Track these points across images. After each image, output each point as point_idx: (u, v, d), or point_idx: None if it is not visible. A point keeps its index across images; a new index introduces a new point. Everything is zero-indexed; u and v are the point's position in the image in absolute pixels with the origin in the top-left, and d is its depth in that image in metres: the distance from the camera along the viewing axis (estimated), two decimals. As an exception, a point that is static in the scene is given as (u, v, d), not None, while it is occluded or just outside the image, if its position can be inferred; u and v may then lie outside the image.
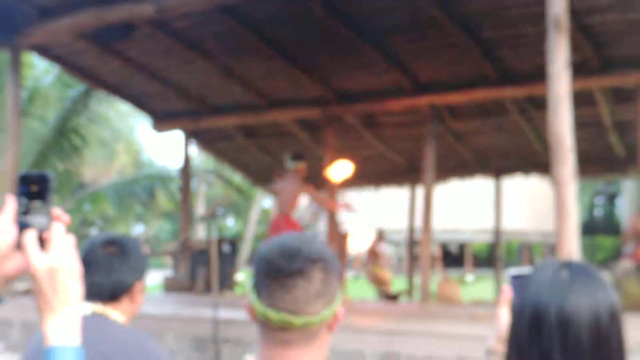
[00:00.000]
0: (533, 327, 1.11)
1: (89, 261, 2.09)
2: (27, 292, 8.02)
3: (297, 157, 8.83)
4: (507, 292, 1.37)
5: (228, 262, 10.62)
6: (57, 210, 1.13)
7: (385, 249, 13.50)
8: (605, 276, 1.21)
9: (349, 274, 21.56)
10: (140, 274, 2.17)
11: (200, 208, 21.67)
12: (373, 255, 13.48)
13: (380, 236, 13.65)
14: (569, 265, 1.17)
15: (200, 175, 16.96)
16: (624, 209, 29.57)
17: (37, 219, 1.12)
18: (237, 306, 7.81)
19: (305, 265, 1.34)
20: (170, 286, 10.89)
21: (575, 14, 7.06)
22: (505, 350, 1.33)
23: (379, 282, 13.04)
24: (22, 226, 1.12)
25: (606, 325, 1.11)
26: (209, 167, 17.93)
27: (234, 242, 12.50)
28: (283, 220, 8.64)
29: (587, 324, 1.10)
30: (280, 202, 8.91)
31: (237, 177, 14.29)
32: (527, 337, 1.12)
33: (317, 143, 11.34)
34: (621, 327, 1.12)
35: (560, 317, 1.10)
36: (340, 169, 9.55)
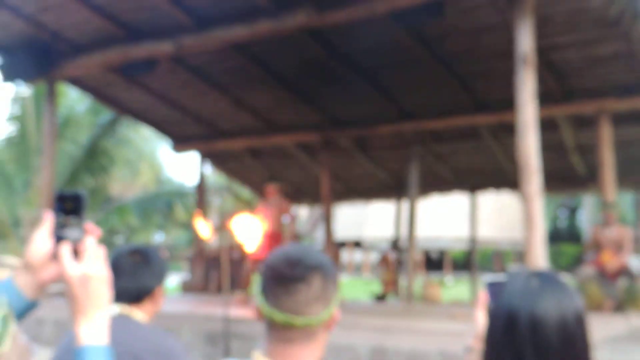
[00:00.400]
0: (507, 329, 1.11)
1: (116, 268, 2.08)
2: (58, 293, 7.98)
3: (274, 180, 9.07)
4: (483, 297, 1.37)
5: (238, 266, 10.58)
6: (89, 225, 1.13)
7: (395, 256, 13.26)
8: (569, 280, 1.21)
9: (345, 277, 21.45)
10: (161, 279, 2.16)
11: (213, 219, 21.64)
12: (385, 261, 13.36)
13: (394, 245, 13.44)
14: (538, 274, 1.16)
15: (213, 190, 16.93)
16: (584, 221, 29.57)
17: (71, 233, 1.12)
18: (247, 305, 7.79)
19: (306, 272, 1.34)
20: (187, 288, 10.86)
21: (540, 51, 7.09)
22: (481, 348, 1.32)
23: (388, 284, 12.91)
24: (59, 239, 1.11)
25: (573, 327, 1.10)
26: (221, 183, 17.90)
27: (243, 249, 12.44)
28: (267, 236, 8.72)
29: (555, 326, 1.09)
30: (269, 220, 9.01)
31: (245, 192, 14.25)
32: (502, 337, 1.11)
33: (315, 163, 11.35)
34: (586, 329, 1.12)
35: (531, 320, 1.10)
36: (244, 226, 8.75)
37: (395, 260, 12.84)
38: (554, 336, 1.08)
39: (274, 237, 8.60)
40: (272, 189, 8.69)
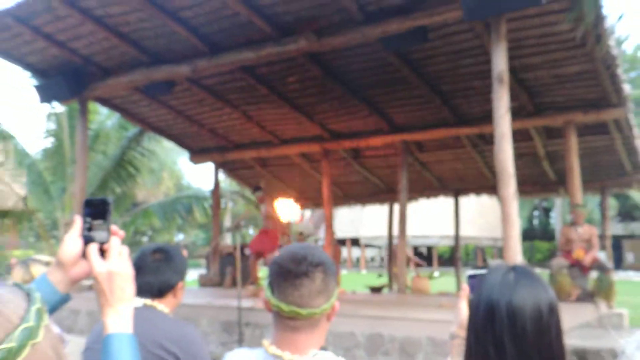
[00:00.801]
0: (487, 318, 1.10)
1: (141, 265, 2.08)
2: (91, 287, 7.97)
3: (257, 189, 9.23)
4: (466, 289, 1.36)
5: (249, 262, 10.56)
6: (114, 228, 1.13)
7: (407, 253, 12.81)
8: (543, 273, 1.20)
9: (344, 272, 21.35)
10: (181, 275, 2.15)
11: (227, 221, 21.63)
12: (395, 256, 12.95)
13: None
14: (514, 269, 1.16)
15: (227, 195, 16.91)
16: (555, 220, 29.58)
17: (98, 234, 1.11)
18: (257, 297, 7.77)
19: (309, 268, 1.34)
20: (204, 282, 10.83)
21: (514, 71, 7.13)
22: (465, 335, 1.31)
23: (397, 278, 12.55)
24: (87, 240, 1.11)
25: (547, 317, 1.09)
26: (234, 189, 17.88)
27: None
28: (260, 232, 8.94)
29: (531, 316, 1.08)
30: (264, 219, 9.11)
31: (253, 198, 14.25)
32: (482, 325, 1.10)
33: (316, 171, 11.36)
34: (559, 318, 1.11)
35: (509, 310, 1.09)
36: (286, 209, 9.00)
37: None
38: (530, 324, 1.08)
39: (266, 233, 8.77)
40: (258, 197, 8.90)
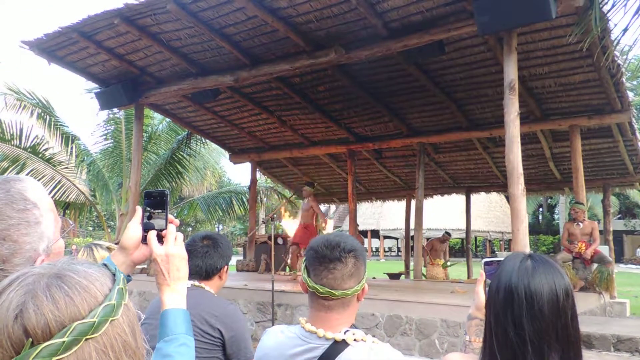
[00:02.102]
0: (507, 301, 1.08)
1: (192, 250, 2.10)
2: (142, 271, 8.10)
3: (310, 184, 9.00)
4: (482, 275, 1.34)
5: (281, 251, 10.62)
6: (171, 216, 1.14)
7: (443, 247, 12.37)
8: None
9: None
10: (227, 260, 2.16)
11: (262, 213, 21.76)
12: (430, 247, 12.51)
13: (444, 237, 12.16)
14: (531, 256, 1.13)
15: (263, 191, 17.01)
16: (559, 216, 29.00)
17: (157, 222, 1.12)
18: (288, 281, 7.81)
19: (342, 254, 1.34)
20: (241, 267, 10.92)
21: (523, 79, 7.00)
22: (481, 317, 1.29)
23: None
24: (147, 227, 1.12)
25: (563, 300, 1.07)
26: (269, 185, 17.97)
27: (285, 238, 12.49)
28: (302, 226, 8.82)
29: (548, 299, 1.06)
30: (302, 215, 8.97)
31: (288, 192, 14.30)
32: (502, 307, 1.08)
33: (342, 170, 11.35)
34: (574, 302, 1.08)
35: (527, 294, 1.06)
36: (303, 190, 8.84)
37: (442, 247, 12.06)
38: (547, 307, 1.05)
39: (307, 227, 8.69)
40: (307, 191, 8.74)
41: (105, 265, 0.69)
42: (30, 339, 0.58)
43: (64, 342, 0.58)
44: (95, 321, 0.60)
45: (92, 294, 0.62)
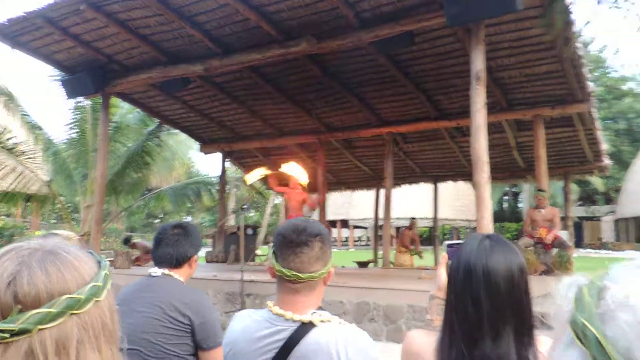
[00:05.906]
0: (466, 279, 1.12)
1: (162, 238, 2.09)
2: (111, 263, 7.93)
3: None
4: (445, 257, 1.38)
5: (251, 241, 10.60)
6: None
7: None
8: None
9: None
10: (197, 249, 2.16)
11: (231, 204, 21.62)
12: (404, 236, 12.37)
13: (410, 223, 11.80)
14: (489, 237, 1.18)
15: (232, 181, 16.86)
16: (523, 204, 29.76)
17: None
18: (257, 271, 7.80)
19: (308, 238, 1.36)
20: (210, 258, 10.85)
21: (489, 70, 7.12)
22: (443, 296, 1.33)
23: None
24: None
25: (517, 277, 1.12)
26: (238, 175, 17.84)
27: (255, 228, 12.46)
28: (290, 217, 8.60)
29: (504, 276, 1.11)
30: (288, 207, 8.78)
31: (257, 183, 14.22)
32: (461, 285, 1.13)
33: (313, 160, 11.35)
34: (527, 279, 1.14)
35: (484, 271, 1.11)
36: (297, 170, 8.50)
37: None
38: (502, 283, 1.10)
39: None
40: (295, 182, 8.51)
41: (91, 252, 0.72)
42: (19, 306, 0.60)
43: (50, 312, 0.60)
44: (82, 298, 0.63)
45: (81, 274, 0.65)
